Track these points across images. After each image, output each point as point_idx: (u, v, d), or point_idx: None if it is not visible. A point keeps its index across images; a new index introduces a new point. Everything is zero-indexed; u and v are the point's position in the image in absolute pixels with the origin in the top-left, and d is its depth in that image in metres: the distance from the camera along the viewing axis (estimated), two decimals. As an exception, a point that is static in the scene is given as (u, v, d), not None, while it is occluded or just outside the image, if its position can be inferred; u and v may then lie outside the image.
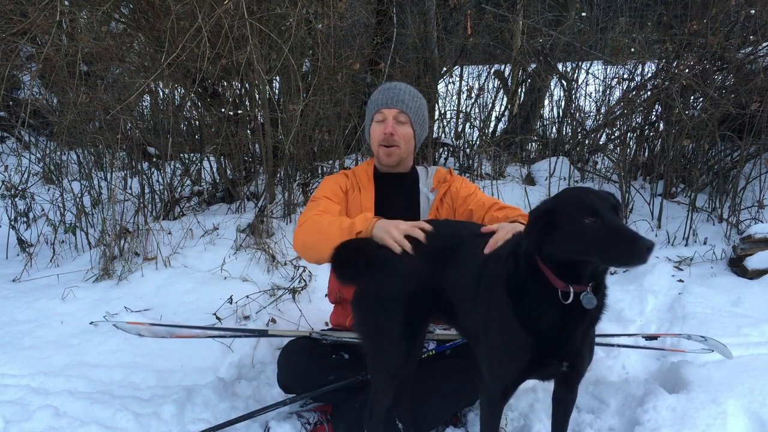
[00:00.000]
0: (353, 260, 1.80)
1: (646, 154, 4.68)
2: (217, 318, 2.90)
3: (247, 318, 2.95)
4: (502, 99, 6.07)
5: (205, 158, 4.26)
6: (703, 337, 2.25)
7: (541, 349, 1.55)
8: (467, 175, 5.09)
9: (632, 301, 3.06)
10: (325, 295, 2.53)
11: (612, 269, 3.53)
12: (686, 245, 3.70)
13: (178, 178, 4.17)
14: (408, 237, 1.80)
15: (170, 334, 2.30)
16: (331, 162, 4.60)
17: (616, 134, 5.13)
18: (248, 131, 4.14)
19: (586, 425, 2.14)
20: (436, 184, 2.29)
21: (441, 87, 5.87)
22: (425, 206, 2.26)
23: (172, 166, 4.13)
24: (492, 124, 5.94)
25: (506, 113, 6.01)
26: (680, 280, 3.24)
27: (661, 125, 4.50)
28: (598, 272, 1.48)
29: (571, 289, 1.45)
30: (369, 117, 2.26)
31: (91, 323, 2.34)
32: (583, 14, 6.22)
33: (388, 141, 2.18)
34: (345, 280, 1.87)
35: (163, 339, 2.57)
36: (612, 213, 1.39)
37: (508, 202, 4.44)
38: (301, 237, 2.02)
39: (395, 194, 2.27)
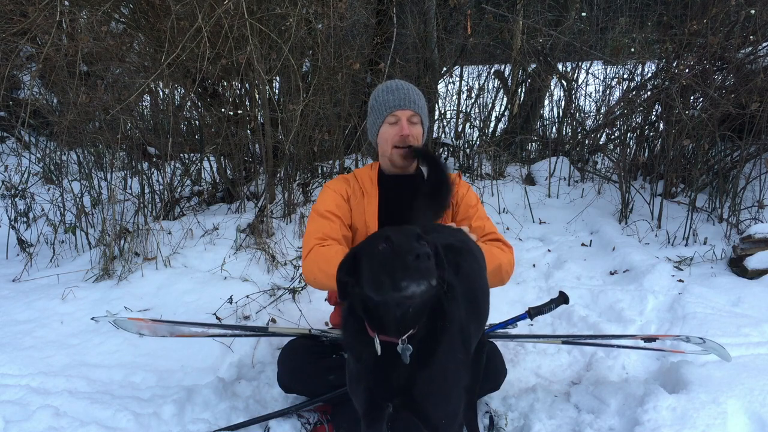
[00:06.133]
0: None
1: (646, 154, 4.69)
2: (217, 318, 2.90)
3: (247, 318, 2.95)
4: (502, 99, 6.08)
5: (205, 158, 4.26)
6: (701, 339, 2.25)
7: (368, 382, 1.53)
8: (467, 175, 5.09)
9: (632, 301, 3.06)
10: (325, 300, 2.53)
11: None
12: (686, 245, 3.70)
13: (178, 178, 4.16)
14: None
15: (171, 334, 2.30)
16: (331, 162, 4.60)
17: (616, 134, 5.14)
18: (248, 131, 4.14)
19: (586, 425, 2.14)
20: None
21: (441, 87, 5.88)
22: None
23: (172, 166, 4.12)
24: (492, 124, 5.95)
25: (506, 113, 6.02)
26: (680, 280, 3.24)
27: (661, 125, 4.51)
28: (408, 319, 1.40)
29: (377, 340, 1.42)
30: (379, 118, 2.22)
31: (92, 318, 2.33)
32: (583, 14, 6.22)
33: (404, 142, 2.17)
34: None
35: (163, 339, 2.57)
36: (408, 239, 1.32)
37: (508, 202, 4.50)
38: (311, 273, 2.02)
39: (401, 197, 2.25)
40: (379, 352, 1.42)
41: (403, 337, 1.41)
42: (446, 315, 1.48)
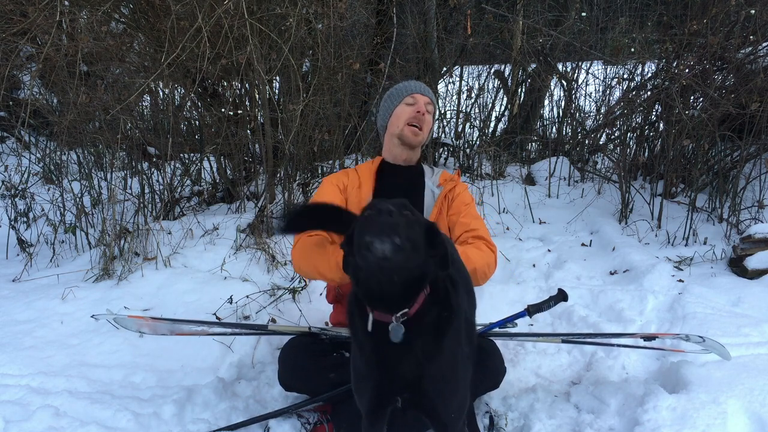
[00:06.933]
0: None
1: (646, 154, 4.69)
2: (217, 318, 2.91)
3: (247, 318, 2.96)
4: (502, 99, 6.08)
5: (205, 158, 4.26)
6: (701, 337, 2.25)
7: (375, 377, 1.51)
8: (467, 175, 5.09)
9: (632, 301, 3.06)
10: (321, 295, 2.53)
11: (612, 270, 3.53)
12: (686, 245, 3.70)
13: (178, 178, 4.16)
14: None
15: (171, 332, 2.30)
16: (331, 162, 4.60)
17: (616, 134, 5.14)
18: (248, 131, 4.14)
19: (586, 425, 2.14)
20: (443, 182, 2.34)
21: (441, 87, 5.88)
22: (430, 201, 2.29)
23: (172, 166, 4.12)
24: (492, 124, 5.95)
25: (506, 113, 6.02)
26: (680, 280, 3.24)
27: (661, 125, 4.51)
28: (393, 289, 1.37)
29: (371, 315, 1.40)
30: (396, 100, 2.31)
31: (92, 316, 2.34)
32: (583, 14, 6.22)
33: (418, 120, 2.26)
34: None
35: (163, 338, 2.57)
36: (392, 209, 1.32)
37: (508, 202, 4.50)
38: (297, 261, 2.06)
39: (398, 187, 2.30)
40: (369, 328, 1.41)
41: (397, 315, 1.39)
42: (452, 306, 1.47)
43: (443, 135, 5.73)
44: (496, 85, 6.10)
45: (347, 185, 2.28)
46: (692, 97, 4.22)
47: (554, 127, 5.92)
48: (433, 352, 1.45)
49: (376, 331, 1.41)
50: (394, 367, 1.47)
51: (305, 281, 3.29)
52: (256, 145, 4.27)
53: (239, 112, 3.97)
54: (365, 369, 1.54)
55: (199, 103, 4.08)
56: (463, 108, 5.85)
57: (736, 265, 3.33)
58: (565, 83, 5.64)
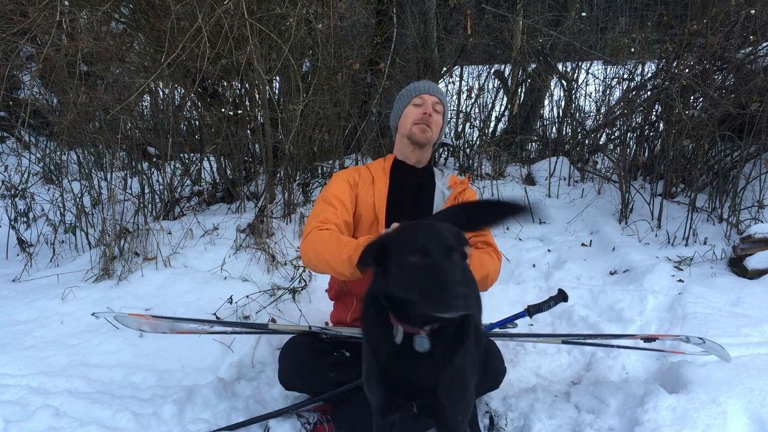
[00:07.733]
0: None
1: (646, 154, 4.69)
2: (217, 318, 2.91)
3: (247, 318, 2.96)
4: (502, 99, 6.08)
5: (205, 158, 4.26)
6: (701, 339, 2.25)
7: (388, 384, 1.53)
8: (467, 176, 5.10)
9: (632, 301, 3.06)
10: (326, 291, 2.53)
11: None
12: (686, 245, 3.70)
13: (178, 178, 4.16)
14: None
15: (171, 330, 2.30)
16: (331, 162, 4.61)
17: (616, 134, 5.14)
18: (248, 131, 4.14)
19: (586, 425, 2.14)
20: (452, 184, 2.36)
21: (441, 87, 5.87)
22: (440, 201, 2.32)
23: (172, 166, 4.12)
24: (492, 124, 5.95)
25: (506, 113, 6.02)
26: (680, 280, 3.24)
27: (661, 125, 4.51)
28: (433, 316, 1.36)
29: (400, 329, 1.40)
30: (405, 100, 2.35)
31: (93, 314, 2.34)
32: (583, 14, 6.23)
33: (426, 120, 2.30)
34: None
35: (163, 338, 2.57)
36: (443, 253, 1.28)
37: (508, 202, 4.48)
38: (306, 256, 2.04)
39: (408, 186, 2.32)
40: (399, 341, 1.41)
41: (425, 328, 1.40)
42: (470, 315, 1.47)
43: (443, 135, 5.74)
44: (496, 85, 6.11)
45: (358, 181, 2.29)
46: (692, 97, 4.22)
47: (554, 127, 5.92)
48: (451, 359, 1.47)
49: (406, 348, 1.43)
50: (413, 374, 1.48)
51: (305, 281, 3.29)
52: (256, 145, 4.28)
53: (239, 112, 3.97)
54: (377, 371, 1.54)
55: (199, 103, 4.08)
56: (463, 108, 5.85)
57: (736, 265, 3.33)
58: (565, 83, 5.64)
